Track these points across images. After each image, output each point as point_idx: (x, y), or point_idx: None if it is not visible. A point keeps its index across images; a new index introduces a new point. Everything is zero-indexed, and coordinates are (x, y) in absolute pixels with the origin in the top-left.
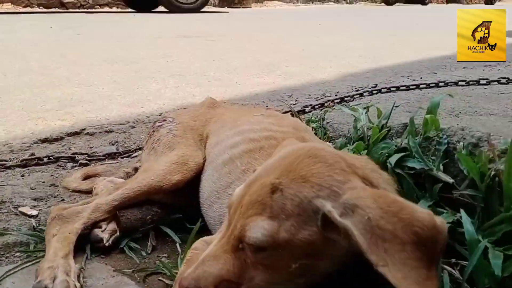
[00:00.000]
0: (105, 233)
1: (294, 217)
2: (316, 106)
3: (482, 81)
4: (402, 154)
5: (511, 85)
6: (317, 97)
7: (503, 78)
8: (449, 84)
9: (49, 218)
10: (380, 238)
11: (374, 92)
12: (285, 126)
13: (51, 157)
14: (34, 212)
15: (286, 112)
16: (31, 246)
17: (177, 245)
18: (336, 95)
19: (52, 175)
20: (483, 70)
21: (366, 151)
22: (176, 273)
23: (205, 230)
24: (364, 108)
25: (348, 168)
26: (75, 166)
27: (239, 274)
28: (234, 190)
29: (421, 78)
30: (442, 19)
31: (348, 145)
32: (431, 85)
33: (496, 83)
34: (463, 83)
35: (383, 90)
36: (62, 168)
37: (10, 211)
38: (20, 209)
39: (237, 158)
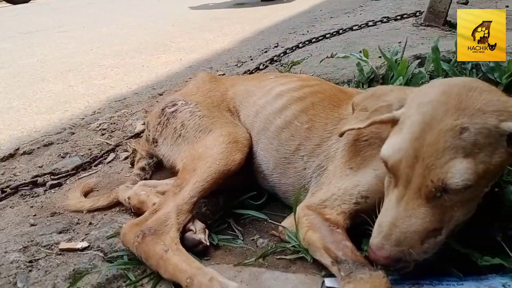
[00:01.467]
0: (199, 233)
1: (486, 147)
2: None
3: (370, 23)
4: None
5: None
6: (237, 64)
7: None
8: (346, 30)
9: (132, 239)
10: None
11: (294, 48)
12: (310, 80)
13: (5, 190)
14: (85, 244)
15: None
16: (131, 276)
17: (265, 222)
18: (251, 59)
19: (32, 206)
20: (348, 16)
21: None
22: (293, 246)
23: (273, 202)
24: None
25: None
26: (46, 190)
27: (440, 219)
28: (304, 151)
29: (307, 32)
30: None
31: (361, 87)
32: (334, 33)
33: (380, 22)
34: (356, 27)
35: (300, 45)
36: (32, 196)
37: (48, 254)
38: (60, 246)
39: (294, 119)
